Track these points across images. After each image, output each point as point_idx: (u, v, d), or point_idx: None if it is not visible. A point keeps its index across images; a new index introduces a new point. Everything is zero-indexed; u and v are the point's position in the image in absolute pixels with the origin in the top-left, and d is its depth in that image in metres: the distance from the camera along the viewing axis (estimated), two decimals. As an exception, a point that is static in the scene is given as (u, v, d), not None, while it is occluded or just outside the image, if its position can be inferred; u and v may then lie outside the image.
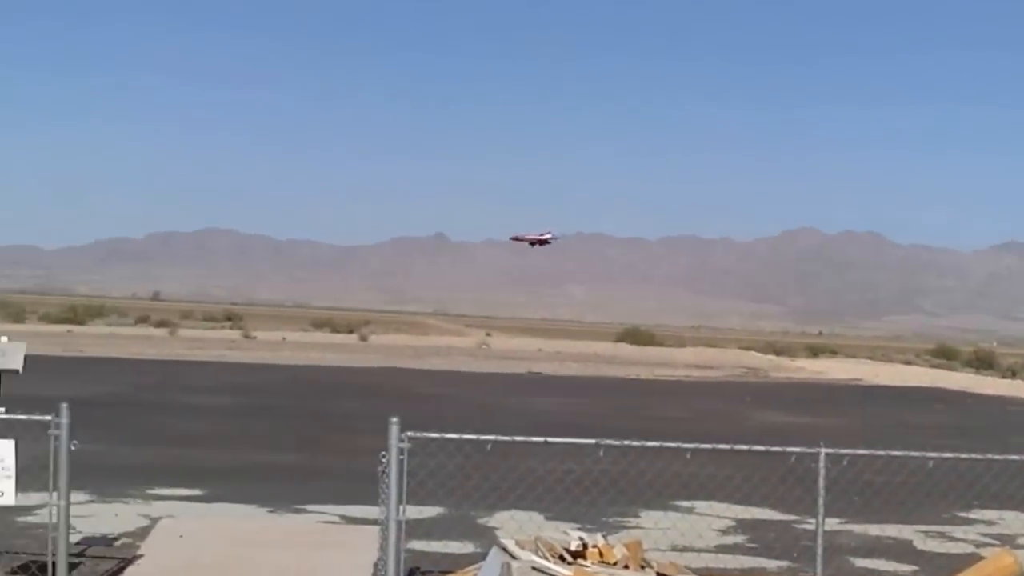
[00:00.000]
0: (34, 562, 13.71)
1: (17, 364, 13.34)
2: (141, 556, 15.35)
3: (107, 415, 31.67)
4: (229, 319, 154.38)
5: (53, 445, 12.54)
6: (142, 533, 16.96)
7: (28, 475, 12.92)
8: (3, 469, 12.58)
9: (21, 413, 12.92)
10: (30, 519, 16.98)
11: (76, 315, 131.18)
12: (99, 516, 17.93)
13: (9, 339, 13.79)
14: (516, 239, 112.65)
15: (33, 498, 14.67)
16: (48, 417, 12.59)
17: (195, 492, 21.50)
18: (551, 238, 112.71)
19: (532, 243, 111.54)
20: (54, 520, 12.77)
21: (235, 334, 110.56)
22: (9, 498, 12.73)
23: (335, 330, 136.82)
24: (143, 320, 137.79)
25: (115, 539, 16.49)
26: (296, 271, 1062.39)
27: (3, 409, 13.09)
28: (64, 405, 12.53)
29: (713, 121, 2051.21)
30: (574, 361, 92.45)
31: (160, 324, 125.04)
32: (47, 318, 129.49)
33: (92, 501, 18.78)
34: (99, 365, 57.88)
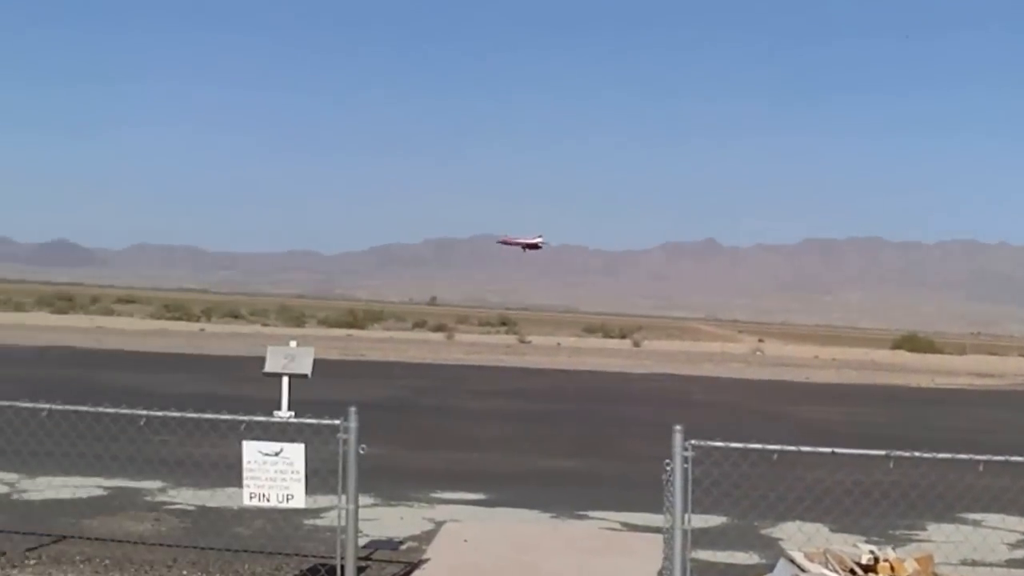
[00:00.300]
0: (323, 565, 13.85)
1: (306, 369, 13.49)
2: (427, 560, 15.40)
3: (389, 419, 32.08)
4: (503, 324, 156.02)
5: (342, 449, 12.64)
6: (427, 537, 17.03)
7: (317, 478, 13.07)
8: (293, 473, 12.73)
9: (310, 417, 13.08)
10: (317, 522, 17.26)
11: (355, 319, 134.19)
12: (384, 520, 18.09)
13: (298, 344, 13.98)
14: (505, 243, 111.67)
15: (321, 501, 14.90)
16: (336, 421, 12.71)
17: (478, 496, 21.55)
18: (542, 243, 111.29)
19: (524, 247, 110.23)
20: (343, 523, 12.87)
21: (511, 339, 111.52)
22: (299, 501, 12.89)
23: (608, 335, 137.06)
24: (420, 325, 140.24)
25: (401, 543, 16.58)
26: (568, 276, 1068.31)
27: (292, 413, 13.27)
28: (352, 409, 12.61)
29: (993, 117, 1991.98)
30: (851, 369, 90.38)
31: (437, 328, 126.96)
32: (326, 322, 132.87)
33: (377, 504, 18.96)
34: (379, 369, 58.98)
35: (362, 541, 14.96)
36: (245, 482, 12.81)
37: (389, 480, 20.68)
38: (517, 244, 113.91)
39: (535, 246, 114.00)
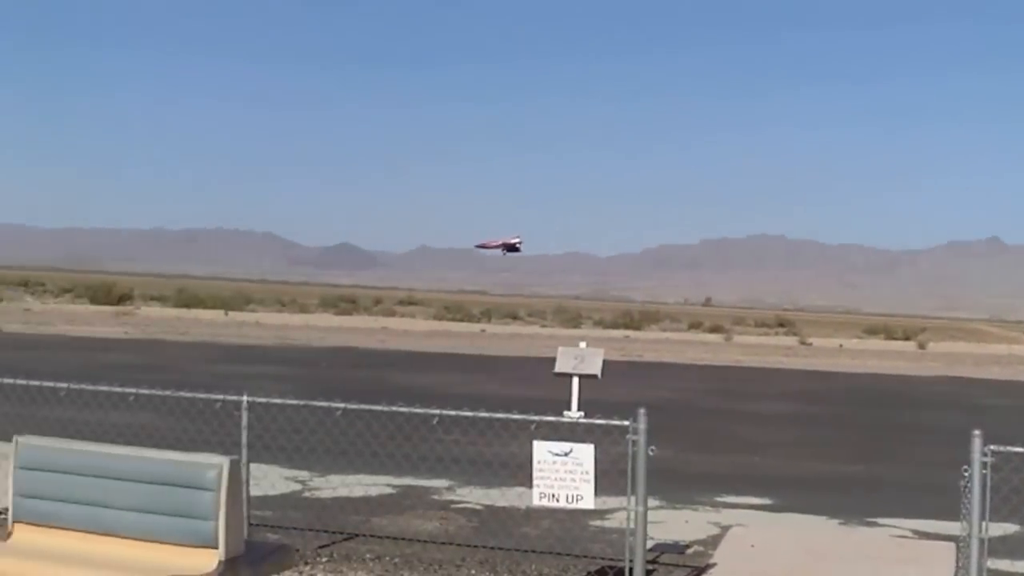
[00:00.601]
0: (611, 567, 13.86)
1: (596, 370, 13.53)
2: (714, 565, 15.23)
3: (670, 421, 31.87)
4: (781, 325, 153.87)
5: (631, 450, 12.63)
6: (713, 541, 16.85)
7: (606, 479, 13.08)
8: (583, 473, 12.76)
9: (599, 418, 13.09)
10: (603, 523, 17.27)
11: (632, 320, 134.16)
12: (669, 523, 17.97)
13: (588, 344, 14.02)
14: (483, 247, 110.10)
15: (609, 502, 14.90)
16: (626, 422, 12.70)
17: (762, 501, 21.25)
18: (519, 243, 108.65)
19: (504, 250, 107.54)
20: (631, 526, 12.85)
21: (790, 340, 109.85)
22: (588, 502, 12.92)
23: (889, 336, 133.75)
24: (696, 326, 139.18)
25: (687, 546, 16.44)
26: (846, 276, 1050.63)
27: (582, 413, 13.31)
28: (641, 411, 12.58)
29: None
30: None
31: (713, 330, 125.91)
32: (602, 323, 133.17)
33: (662, 507, 18.83)
34: (657, 370, 58.80)
35: (648, 544, 14.90)
36: (535, 482, 12.90)
37: (673, 482, 20.53)
38: (495, 247, 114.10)
39: (514, 247, 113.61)
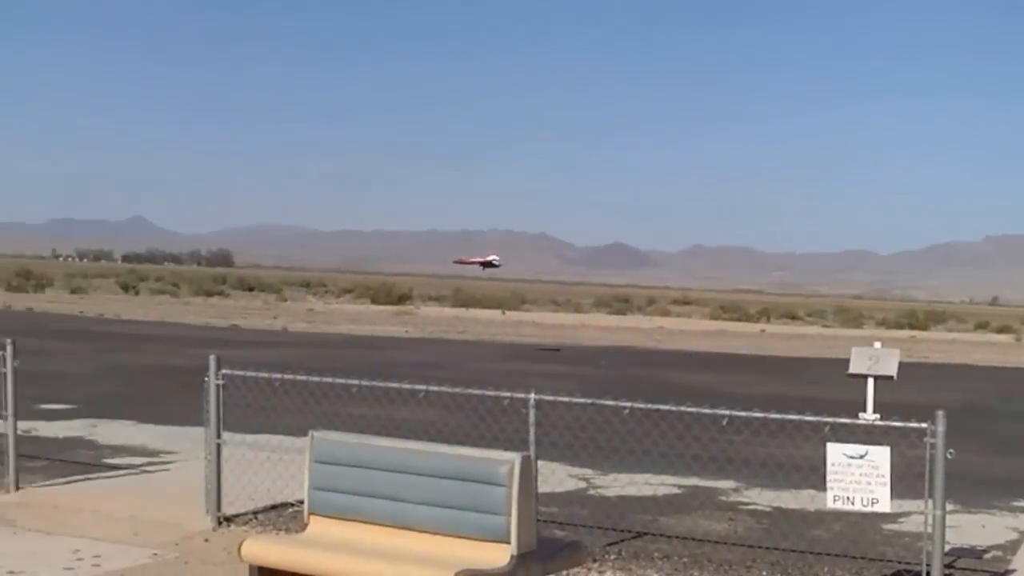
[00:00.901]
0: (907, 571, 13.53)
1: (891, 371, 13.20)
2: (1013, 571, 14.77)
3: (960, 423, 30.78)
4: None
5: (928, 453, 12.29)
6: (1011, 547, 16.29)
7: (902, 483, 12.75)
8: (878, 476, 12.47)
9: (895, 420, 12.76)
10: (897, 527, 16.86)
11: (916, 320, 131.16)
12: (964, 527, 17.41)
13: (881, 345, 13.71)
14: (461, 262, 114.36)
15: (905, 506, 14.55)
16: (923, 425, 12.36)
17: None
18: (497, 260, 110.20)
19: (483, 266, 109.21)
20: (928, 529, 12.51)
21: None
22: (884, 505, 12.61)
23: None
24: (982, 326, 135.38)
25: (984, 551, 15.93)
26: None
27: (878, 416, 13.00)
28: (940, 413, 12.26)
29: None
30: None
31: (1000, 330, 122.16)
32: (885, 323, 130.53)
33: (957, 511, 18.21)
34: (946, 372, 57.13)
35: (944, 548, 14.49)
36: (829, 484, 12.66)
37: (968, 486, 19.92)
38: (473, 263, 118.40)
39: (491, 263, 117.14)
